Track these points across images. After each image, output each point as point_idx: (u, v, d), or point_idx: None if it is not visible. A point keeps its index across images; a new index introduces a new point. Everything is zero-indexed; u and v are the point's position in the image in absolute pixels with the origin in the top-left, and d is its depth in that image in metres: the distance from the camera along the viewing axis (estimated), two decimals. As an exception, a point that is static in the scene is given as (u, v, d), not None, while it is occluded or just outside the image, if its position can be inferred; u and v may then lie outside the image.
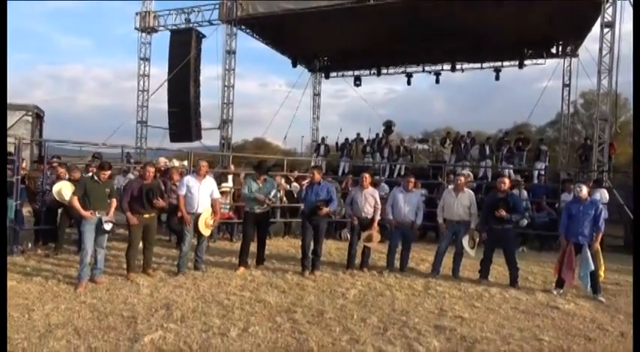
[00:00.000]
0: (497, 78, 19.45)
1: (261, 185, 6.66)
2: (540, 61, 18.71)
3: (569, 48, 17.85)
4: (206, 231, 6.45)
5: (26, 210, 8.21)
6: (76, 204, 5.52)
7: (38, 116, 16.93)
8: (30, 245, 7.56)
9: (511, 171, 13.23)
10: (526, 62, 18.64)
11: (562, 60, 18.26)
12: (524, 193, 11.21)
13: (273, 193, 6.67)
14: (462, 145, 14.74)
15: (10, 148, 8.68)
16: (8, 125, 15.57)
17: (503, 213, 6.23)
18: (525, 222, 10.05)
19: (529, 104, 19.69)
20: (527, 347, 4.04)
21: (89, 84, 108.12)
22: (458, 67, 19.97)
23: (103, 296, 5.06)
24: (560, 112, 19.97)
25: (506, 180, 6.59)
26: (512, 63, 19.03)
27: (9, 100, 16.73)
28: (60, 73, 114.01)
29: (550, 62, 18.72)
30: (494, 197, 6.58)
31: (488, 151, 14.36)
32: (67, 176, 7.64)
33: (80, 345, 3.65)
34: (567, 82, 18.29)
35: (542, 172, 13.06)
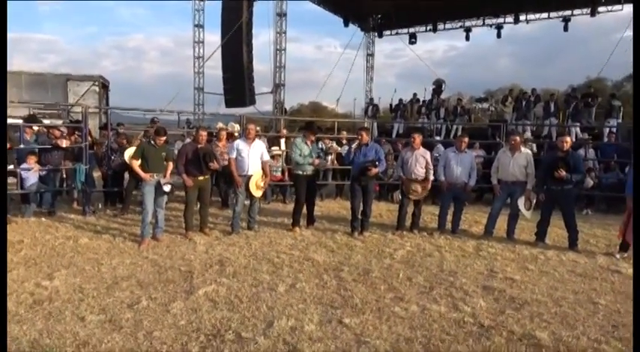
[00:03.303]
0: (565, 29, 17.94)
1: (311, 146, 6.71)
2: (616, 7, 16.93)
3: (652, -10, 15.98)
4: (257, 193, 6.64)
5: (96, 175, 8.84)
6: (136, 167, 5.87)
7: (104, 86, 17.96)
8: (100, 206, 8.17)
9: (577, 129, 12.38)
10: (600, 9, 16.96)
11: (643, 4, 16.43)
12: (591, 152, 10.53)
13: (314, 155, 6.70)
14: (524, 103, 13.90)
15: (78, 117, 9.32)
16: (79, 95, 16.67)
17: (563, 173, 5.89)
18: (591, 182, 9.49)
19: (604, 57, 17.98)
20: (580, 309, 3.90)
21: (151, 53, 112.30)
22: (522, 18, 18.58)
23: (164, 252, 5.42)
24: None
25: (568, 139, 6.18)
26: (584, 11, 17.40)
27: (77, 72, 17.84)
28: (124, 43, 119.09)
29: (629, 8, 16.93)
30: (554, 156, 6.24)
31: (553, 109, 13.45)
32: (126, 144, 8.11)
33: (142, 296, 3.97)
34: (648, 30, 16.50)
35: (614, 130, 12.10)
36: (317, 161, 6.72)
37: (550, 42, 53.40)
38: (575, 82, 21.47)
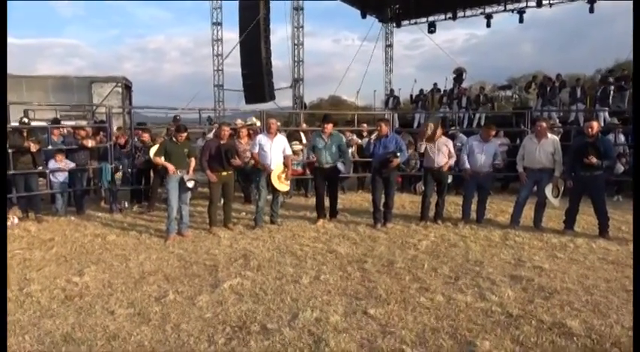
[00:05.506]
0: (591, 10, 17.32)
1: (327, 140, 6.69)
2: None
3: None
4: (281, 186, 6.67)
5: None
6: (160, 161, 5.97)
7: (127, 86, 18.24)
8: (126, 204, 8.33)
9: (606, 114, 11.96)
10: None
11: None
12: (621, 137, 10.19)
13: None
14: (549, 89, 13.51)
15: (102, 117, 9.52)
16: (103, 96, 17.00)
17: (594, 159, 5.70)
18: (622, 168, 9.19)
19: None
20: (613, 298, 3.78)
21: (172, 53, 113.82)
22: (545, 1, 18.05)
23: (189, 247, 5.50)
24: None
25: (594, 124, 5.95)
26: (611, -10, 16.80)
27: (101, 74, 18.22)
28: (145, 45, 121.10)
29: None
30: (582, 142, 6.04)
31: (579, 94, 13.05)
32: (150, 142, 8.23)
33: (169, 289, 4.03)
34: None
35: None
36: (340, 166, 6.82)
37: (575, 24, 51.85)
38: (602, 65, 20.70)
